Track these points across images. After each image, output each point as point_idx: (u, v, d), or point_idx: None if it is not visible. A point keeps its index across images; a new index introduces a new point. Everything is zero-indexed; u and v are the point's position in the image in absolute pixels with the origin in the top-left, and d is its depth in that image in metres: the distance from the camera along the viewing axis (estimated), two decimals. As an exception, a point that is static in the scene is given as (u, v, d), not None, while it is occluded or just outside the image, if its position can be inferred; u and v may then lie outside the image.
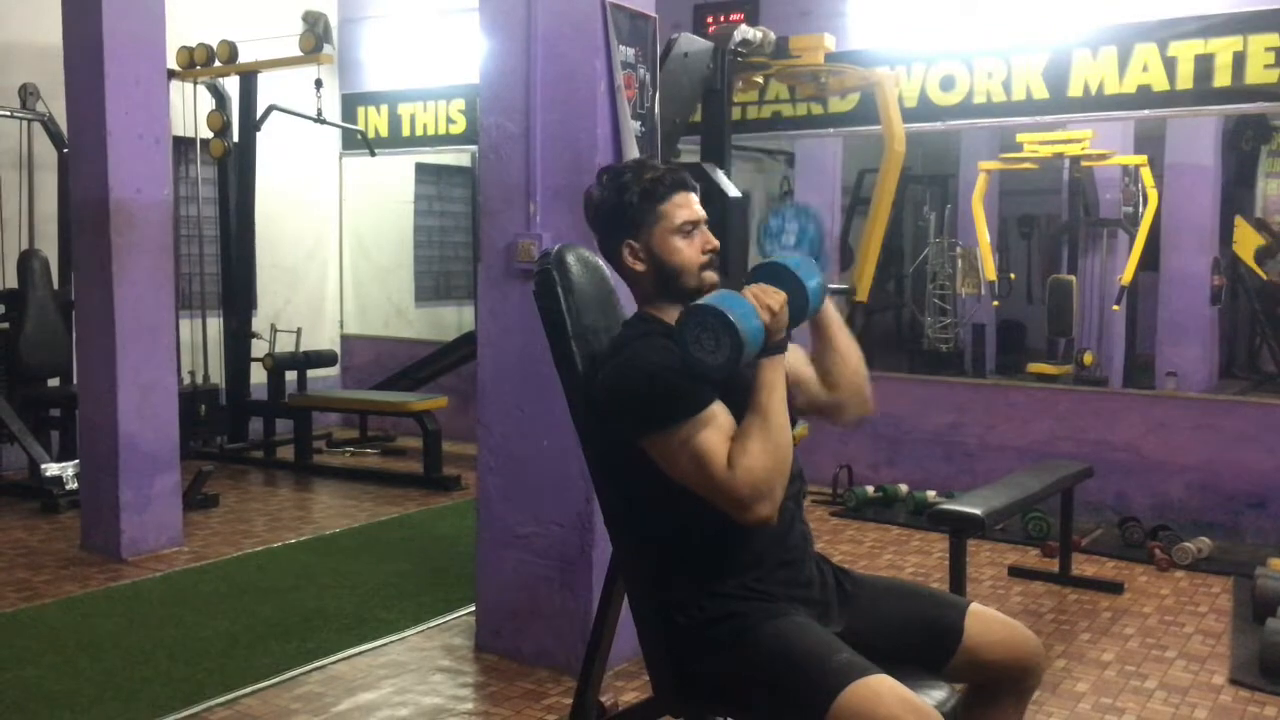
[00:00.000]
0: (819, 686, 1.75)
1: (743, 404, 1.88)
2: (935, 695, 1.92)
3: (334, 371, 8.04)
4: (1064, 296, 7.61)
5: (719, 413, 1.87)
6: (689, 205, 2.05)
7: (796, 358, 2.15)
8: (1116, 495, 5.39)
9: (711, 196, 3.41)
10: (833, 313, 2.19)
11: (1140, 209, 7.25)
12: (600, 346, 2.08)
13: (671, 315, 2.04)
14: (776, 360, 1.88)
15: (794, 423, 1.98)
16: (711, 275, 2.05)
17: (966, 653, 2.03)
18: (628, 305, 2.21)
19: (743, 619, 1.90)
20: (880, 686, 1.72)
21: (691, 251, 2.04)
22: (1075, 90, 5.59)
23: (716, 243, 2.07)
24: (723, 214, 3.70)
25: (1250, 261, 7.44)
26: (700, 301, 1.85)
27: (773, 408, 1.84)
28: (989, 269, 7.85)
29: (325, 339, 8.21)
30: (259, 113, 6.98)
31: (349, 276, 8.47)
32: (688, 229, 2.04)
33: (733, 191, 4.01)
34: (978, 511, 3.56)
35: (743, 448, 1.82)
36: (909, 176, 8.49)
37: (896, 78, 6.02)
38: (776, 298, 1.87)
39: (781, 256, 1.98)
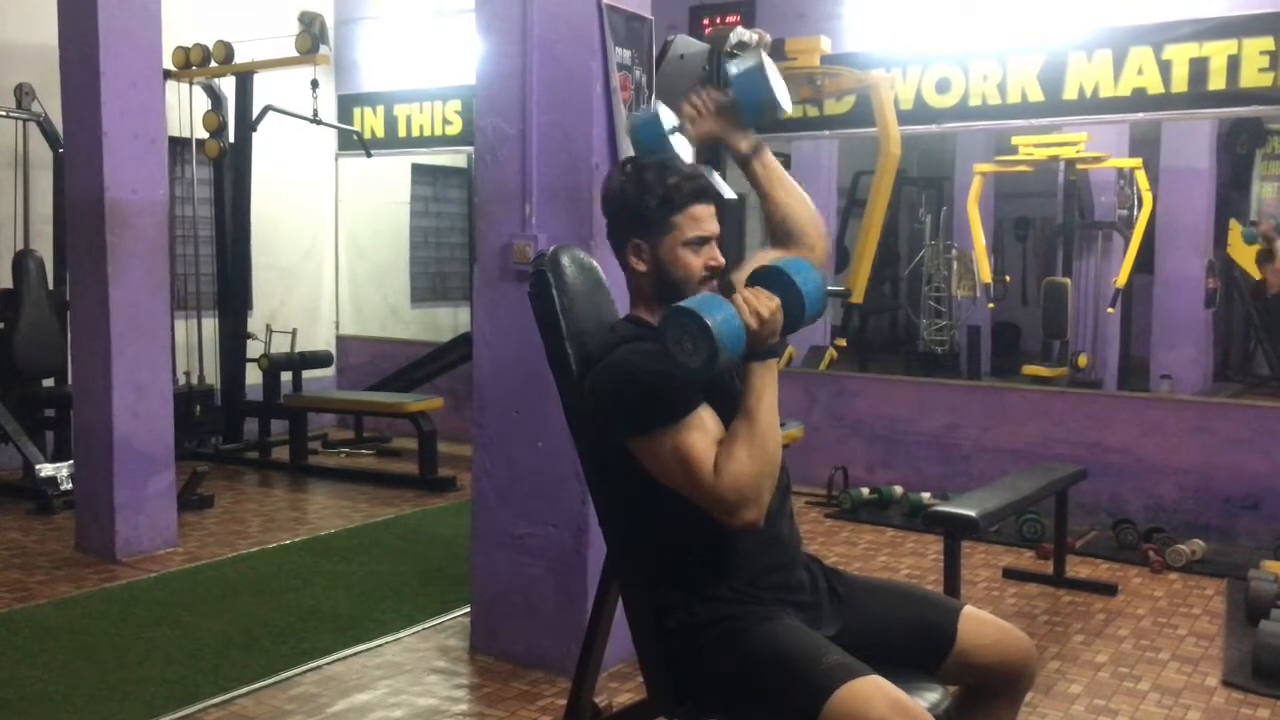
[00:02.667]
0: (810, 689, 1.75)
1: (732, 409, 1.88)
2: (930, 697, 1.93)
3: (329, 372, 8.03)
4: (1059, 299, 7.64)
5: (706, 417, 1.87)
6: (705, 220, 2.03)
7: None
8: (1111, 497, 5.41)
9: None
10: (773, 159, 2.21)
11: (1135, 212, 7.27)
12: (594, 348, 2.08)
13: None
14: (768, 365, 1.88)
15: (783, 424, 1.99)
16: (713, 285, 2.06)
17: (959, 655, 2.03)
18: (622, 305, 2.21)
19: (734, 622, 1.91)
20: (871, 688, 1.73)
21: (696, 265, 2.03)
22: (1070, 93, 5.60)
23: (722, 261, 2.06)
24: (719, 216, 3.70)
25: (1244, 265, 7.45)
26: (681, 304, 1.83)
27: (761, 412, 1.84)
28: (984, 271, 7.87)
29: (321, 340, 8.20)
30: (255, 113, 6.98)
31: (345, 277, 8.47)
32: (698, 244, 2.03)
33: (729, 193, 4.02)
34: (972, 513, 3.56)
35: (729, 453, 1.82)
36: (904, 179, 8.51)
37: (892, 80, 6.03)
38: (768, 304, 1.84)
39: (782, 261, 1.97)
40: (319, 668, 3.53)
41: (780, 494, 2.05)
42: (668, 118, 2.14)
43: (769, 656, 1.84)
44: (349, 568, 4.65)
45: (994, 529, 4.94)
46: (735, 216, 4.05)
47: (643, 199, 2.02)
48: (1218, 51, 5.18)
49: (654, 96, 3.54)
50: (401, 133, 8.05)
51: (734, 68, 1.94)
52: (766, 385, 1.87)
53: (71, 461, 5.21)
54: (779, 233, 2.23)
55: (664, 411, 1.86)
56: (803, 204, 2.24)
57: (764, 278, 1.92)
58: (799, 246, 2.19)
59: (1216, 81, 5.20)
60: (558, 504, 3.44)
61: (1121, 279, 7.27)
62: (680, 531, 1.96)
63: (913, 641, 2.04)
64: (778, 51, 5.53)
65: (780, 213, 2.22)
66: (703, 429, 1.85)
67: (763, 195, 2.22)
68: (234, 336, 7.07)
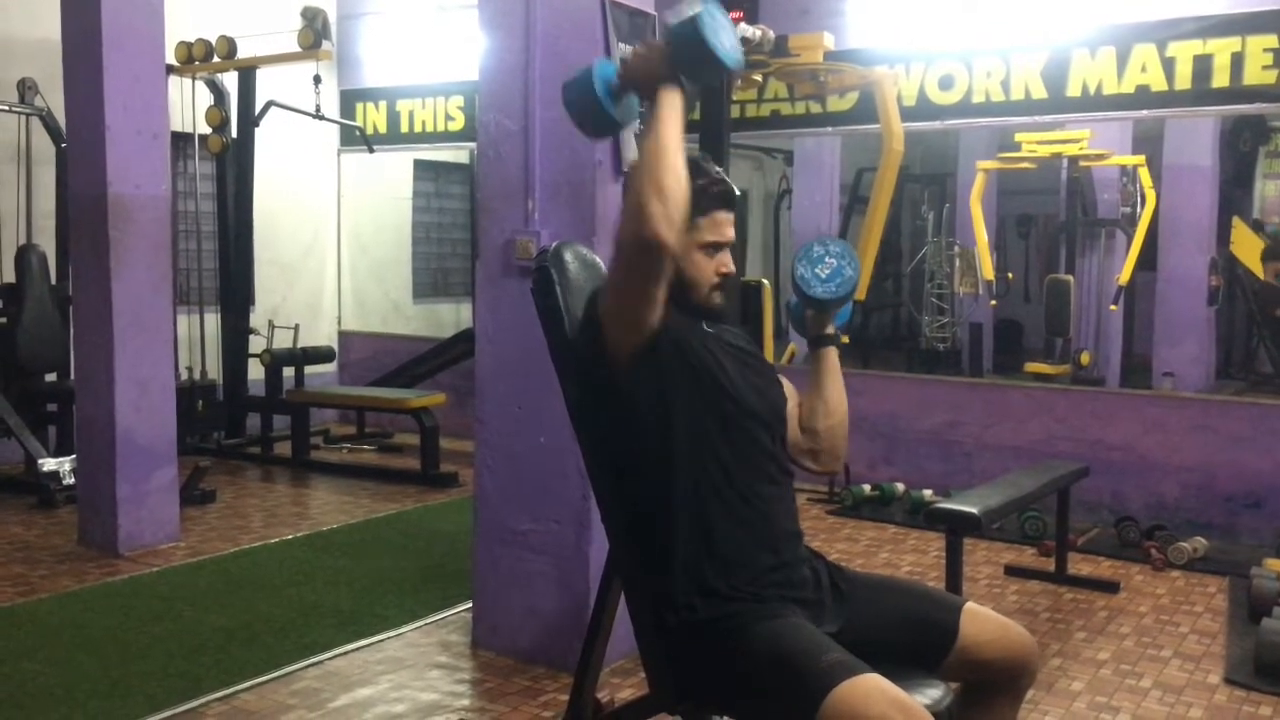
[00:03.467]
0: (809, 686, 1.75)
1: (716, 393, 1.95)
2: (931, 694, 1.92)
3: (331, 368, 8.03)
4: (1061, 296, 7.63)
5: None
6: (724, 226, 2.06)
7: (787, 392, 2.20)
8: (1113, 495, 5.40)
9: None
10: (834, 362, 2.24)
11: (1138, 209, 7.27)
12: None
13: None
14: (657, 99, 1.89)
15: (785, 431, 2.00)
16: (718, 298, 2.07)
17: (961, 651, 2.03)
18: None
19: (736, 619, 1.91)
20: (870, 686, 1.73)
21: (708, 269, 2.05)
22: (1074, 90, 5.59)
23: (732, 269, 2.09)
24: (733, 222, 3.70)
25: (1247, 263, 7.45)
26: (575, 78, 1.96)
27: (643, 144, 1.86)
28: (987, 268, 7.87)
29: (323, 335, 8.21)
30: (258, 109, 6.98)
31: (347, 273, 8.47)
32: (713, 248, 2.05)
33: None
34: (974, 510, 3.56)
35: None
36: (907, 175, 8.51)
37: (895, 77, 6.02)
38: (644, 44, 1.95)
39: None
40: (321, 662, 3.53)
41: (782, 490, 2.06)
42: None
43: (769, 653, 1.84)
44: (351, 563, 4.65)
45: (996, 526, 4.93)
46: (737, 215, 4.04)
47: None
48: (1221, 49, 5.17)
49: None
50: (404, 128, 8.05)
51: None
52: (654, 117, 1.88)
53: (74, 456, 5.21)
54: (803, 423, 2.23)
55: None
56: (830, 414, 2.23)
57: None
58: (810, 444, 2.22)
59: (1220, 79, 5.20)
60: (560, 500, 3.44)
61: (1124, 276, 7.27)
62: (682, 526, 1.96)
63: (914, 638, 2.04)
64: (781, 48, 5.52)
65: (809, 407, 2.24)
66: None
67: (815, 381, 2.24)
68: (236, 332, 7.07)
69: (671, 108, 1.88)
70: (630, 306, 1.91)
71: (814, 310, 2.27)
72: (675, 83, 1.88)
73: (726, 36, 1.89)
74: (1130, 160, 7.29)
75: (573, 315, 2.09)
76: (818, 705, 1.72)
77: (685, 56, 1.88)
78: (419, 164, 8.80)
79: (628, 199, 1.82)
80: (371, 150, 7.82)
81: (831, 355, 2.25)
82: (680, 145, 1.85)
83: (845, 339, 2.31)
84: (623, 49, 2.06)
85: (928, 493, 5.63)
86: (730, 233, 2.08)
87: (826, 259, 2.21)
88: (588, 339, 2.00)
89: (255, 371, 7.11)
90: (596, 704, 2.32)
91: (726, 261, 2.07)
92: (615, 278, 1.93)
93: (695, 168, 2.04)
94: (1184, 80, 5.28)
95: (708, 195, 2.02)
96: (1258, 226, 7.72)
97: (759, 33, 5.31)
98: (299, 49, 6.69)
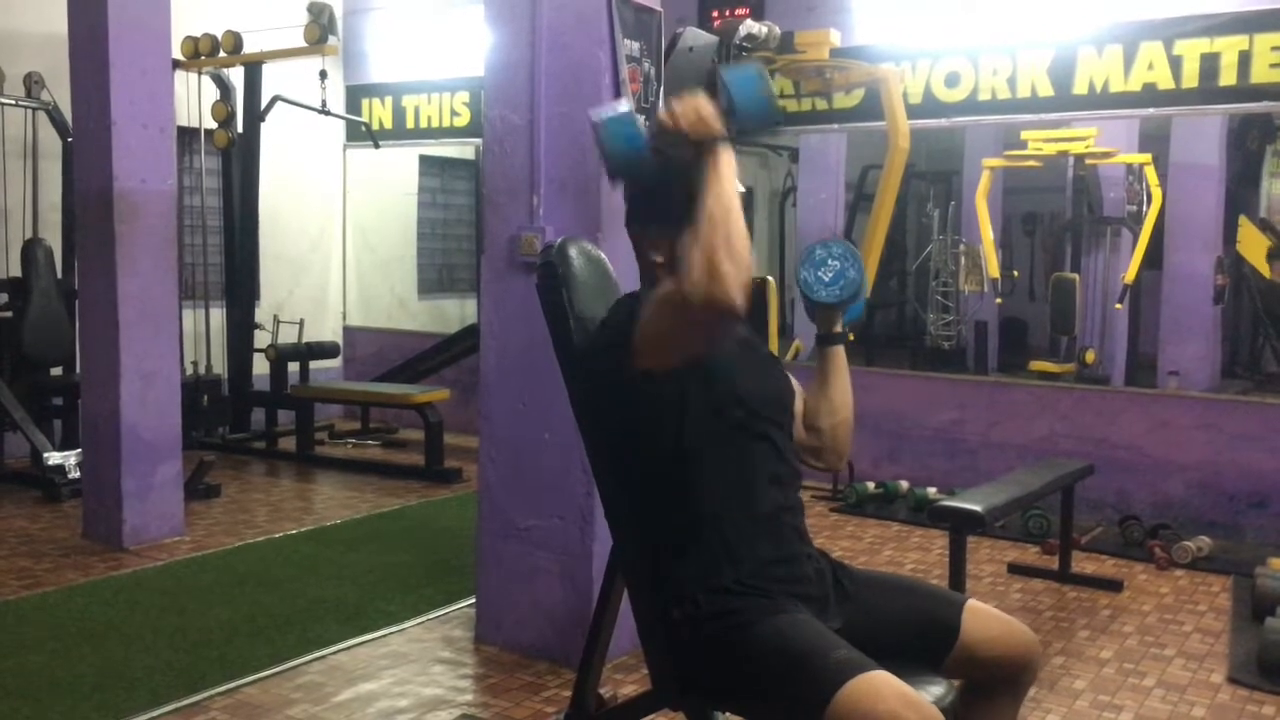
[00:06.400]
0: (818, 683, 1.74)
1: (761, 372, 2.00)
2: (934, 691, 1.92)
3: (336, 363, 8.05)
4: (1067, 294, 7.61)
5: None
6: None
7: (793, 388, 2.19)
8: (1117, 493, 5.40)
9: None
10: (841, 361, 2.24)
11: (1144, 207, 7.24)
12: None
13: None
14: (707, 157, 1.87)
15: (791, 429, 2.00)
16: None
17: (963, 649, 2.03)
18: (630, 299, 2.21)
19: (740, 615, 1.90)
20: (879, 682, 1.72)
21: None
22: (1080, 88, 5.58)
23: None
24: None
25: (1255, 261, 7.43)
26: (605, 118, 1.96)
27: (704, 201, 1.82)
28: (992, 266, 7.84)
29: (328, 330, 8.22)
30: (263, 104, 6.99)
31: (352, 268, 8.47)
32: None
33: (738, 187, 4.01)
34: (978, 508, 3.56)
35: (684, 250, 1.83)
36: (913, 173, 8.48)
37: (901, 74, 6.01)
38: (683, 100, 1.90)
39: (734, 73, 1.98)
40: (324, 657, 3.54)
41: (788, 487, 2.05)
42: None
43: (775, 650, 1.84)
44: (355, 558, 4.66)
45: (1000, 524, 4.93)
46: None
47: (672, 190, 2.00)
48: (1229, 47, 5.16)
49: (662, 90, 3.53)
50: (409, 124, 8.05)
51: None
52: (711, 176, 1.85)
53: (79, 450, 5.22)
54: (808, 421, 2.23)
55: (640, 310, 1.92)
56: (834, 413, 2.22)
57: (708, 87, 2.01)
58: (814, 441, 2.22)
59: (1227, 77, 5.18)
60: (564, 495, 3.45)
61: (1130, 275, 7.25)
62: (686, 522, 1.96)
63: (917, 636, 2.04)
64: (787, 44, 5.51)
65: (814, 404, 2.23)
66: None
67: (821, 379, 2.23)
68: (241, 327, 7.08)
69: (729, 164, 1.87)
70: (685, 353, 1.90)
71: (820, 311, 2.27)
72: (714, 144, 1.87)
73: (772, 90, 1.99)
74: (1136, 158, 7.26)
75: (577, 311, 2.09)
76: (827, 702, 1.71)
77: (749, 115, 1.93)
78: (424, 159, 8.80)
79: (697, 256, 1.76)
80: (377, 145, 7.82)
81: (838, 354, 2.25)
82: (739, 202, 1.87)
83: (851, 336, 2.31)
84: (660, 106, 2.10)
85: (932, 490, 5.63)
86: None
87: (829, 261, 2.21)
88: (612, 359, 1.96)
89: (260, 366, 7.13)
90: (599, 699, 2.33)
91: None
92: (672, 329, 1.87)
93: None
94: (1191, 78, 5.27)
95: None
96: (1264, 225, 7.69)
97: (765, 29, 5.31)
98: (305, 44, 6.69)
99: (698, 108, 1.88)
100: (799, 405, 2.22)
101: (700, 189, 1.83)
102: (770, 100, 1.96)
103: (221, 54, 6.80)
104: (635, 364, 1.92)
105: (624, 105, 2.03)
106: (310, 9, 6.70)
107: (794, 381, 2.20)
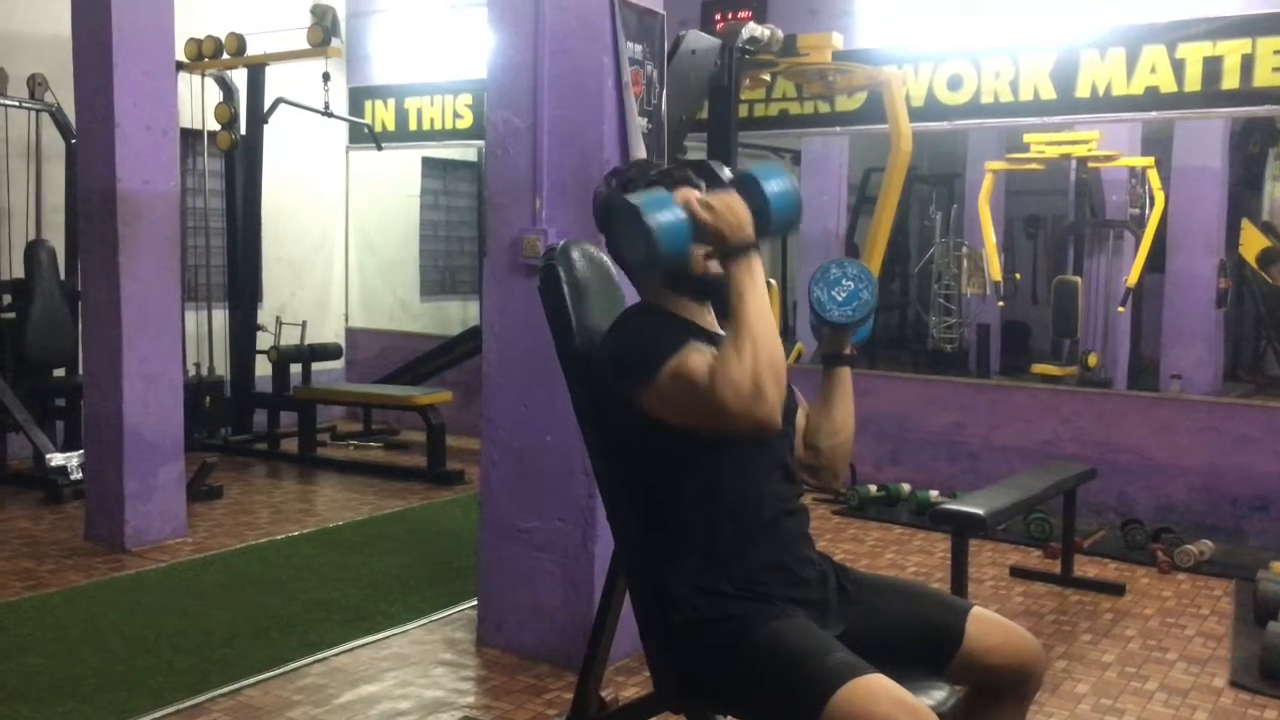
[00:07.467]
0: (814, 686, 1.75)
1: None
2: (935, 695, 1.92)
3: (339, 365, 8.05)
4: (1069, 297, 7.61)
5: (700, 344, 1.89)
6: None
7: (796, 400, 2.19)
8: (1119, 497, 5.39)
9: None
10: (846, 383, 2.23)
11: (1147, 211, 7.24)
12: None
13: (680, 306, 2.05)
14: (748, 261, 1.85)
15: (792, 427, 1.99)
16: (716, 265, 2.03)
17: (967, 655, 2.03)
18: (631, 298, 2.21)
19: (739, 619, 1.90)
20: (875, 686, 1.73)
21: (697, 254, 2.02)
22: (1083, 91, 5.58)
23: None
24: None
25: (1255, 265, 7.43)
26: (637, 200, 1.87)
27: (745, 310, 1.82)
28: (994, 269, 7.84)
29: (330, 332, 8.23)
30: (266, 105, 6.99)
31: (354, 270, 8.48)
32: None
33: (726, 175, 4.00)
34: (980, 512, 3.56)
35: (721, 357, 1.80)
36: (915, 176, 8.49)
37: (904, 77, 6.01)
38: (722, 199, 1.86)
39: (754, 167, 1.98)
40: (326, 659, 3.54)
41: (790, 492, 2.06)
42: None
43: (773, 653, 1.84)
44: (357, 560, 4.66)
45: (1002, 528, 4.94)
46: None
47: (633, 190, 2.01)
48: (1231, 50, 5.16)
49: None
50: (412, 126, 8.05)
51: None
52: (747, 283, 1.84)
53: (81, 451, 5.23)
54: (810, 440, 2.22)
55: (659, 352, 1.86)
56: (835, 434, 2.22)
57: (734, 183, 1.96)
58: (813, 459, 2.21)
59: (1230, 81, 5.18)
60: (566, 497, 3.45)
61: (1132, 278, 7.25)
62: (687, 526, 1.97)
63: (920, 640, 2.04)
64: (790, 47, 5.52)
65: (816, 423, 2.22)
66: (698, 350, 1.86)
67: (825, 399, 2.23)
68: (244, 328, 7.08)
69: (749, 276, 1.86)
70: (701, 430, 1.88)
71: (829, 331, 2.24)
72: (747, 250, 1.86)
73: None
74: (1139, 162, 7.26)
75: (580, 314, 2.09)
76: (823, 705, 1.72)
77: (783, 227, 1.93)
78: (427, 162, 8.81)
79: (740, 375, 1.76)
80: (380, 148, 7.83)
81: (844, 375, 2.23)
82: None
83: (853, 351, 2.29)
84: (687, 193, 1.98)
85: (934, 493, 5.63)
86: None
87: (844, 281, 2.17)
88: (619, 387, 1.95)
89: (263, 368, 7.13)
90: (600, 702, 2.32)
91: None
92: (698, 418, 1.84)
93: (645, 165, 2.10)
94: (1194, 82, 5.27)
95: (668, 179, 2.03)
96: (1267, 229, 7.69)
97: (768, 32, 5.31)
98: (308, 46, 6.69)
99: (737, 212, 1.85)
100: (800, 418, 2.21)
101: (736, 297, 1.83)
102: (799, 205, 1.95)
103: (225, 56, 6.81)
104: (641, 405, 1.91)
105: (659, 191, 1.92)
106: (313, 11, 6.71)
107: (798, 394, 2.19)
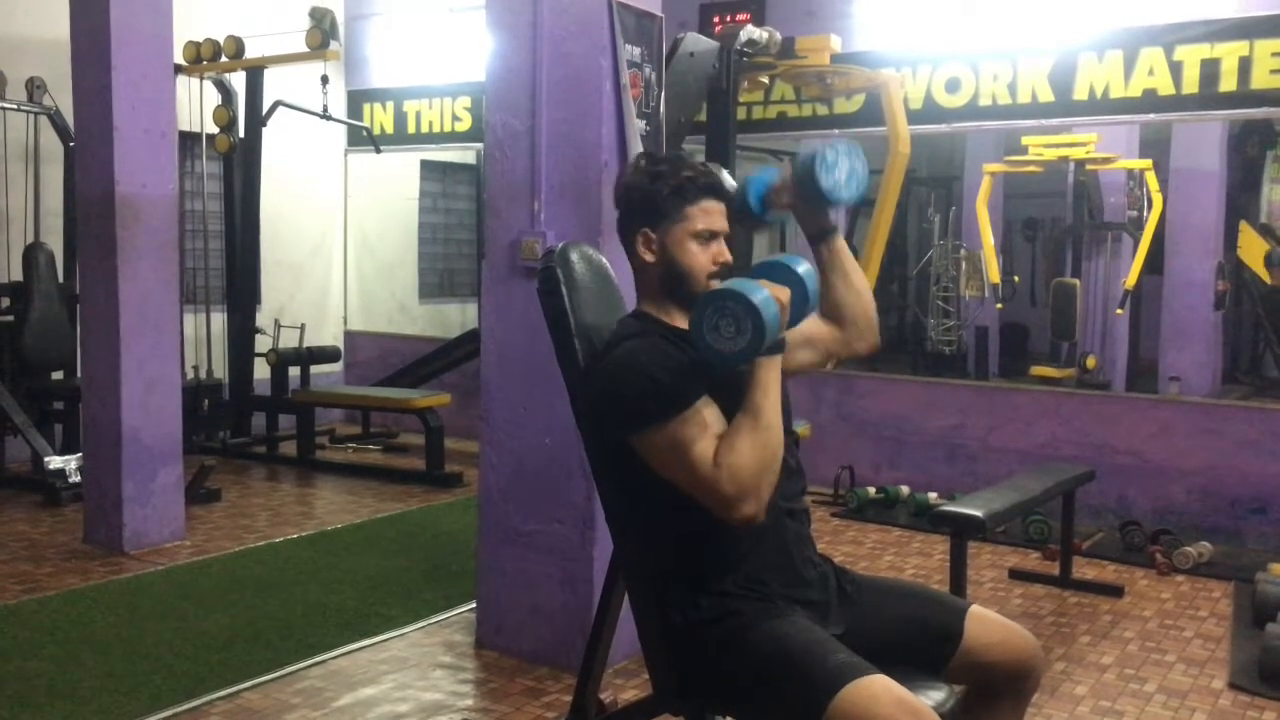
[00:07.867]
0: (816, 687, 1.75)
1: (735, 405, 1.88)
2: (934, 696, 1.92)
3: (337, 367, 8.05)
4: (1067, 300, 7.61)
5: (706, 412, 1.88)
6: (715, 215, 2.06)
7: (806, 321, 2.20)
8: (1118, 499, 5.39)
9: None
10: (846, 249, 2.26)
11: (1144, 213, 7.25)
12: (601, 344, 2.09)
13: (670, 315, 2.05)
14: (774, 360, 1.89)
15: (790, 425, 2.00)
16: (717, 284, 2.05)
17: (966, 654, 2.03)
18: (630, 300, 2.21)
19: (740, 619, 1.91)
20: (877, 687, 1.73)
21: (704, 258, 2.04)
22: (1081, 93, 5.58)
23: (730, 259, 2.07)
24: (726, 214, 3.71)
25: (1254, 267, 7.43)
26: (722, 286, 1.86)
27: (766, 407, 1.85)
28: (993, 271, 7.85)
29: (329, 335, 8.23)
30: (265, 108, 6.99)
31: (353, 273, 8.48)
32: (706, 236, 2.04)
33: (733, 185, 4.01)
34: (979, 514, 3.56)
35: (730, 445, 1.82)
36: (913, 178, 8.50)
37: (902, 79, 6.02)
38: (784, 293, 1.90)
39: (784, 257, 2.02)
40: (324, 662, 3.54)
41: (791, 492, 2.05)
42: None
43: (774, 654, 1.84)
44: (355, 563, 4.66)
45: (1000, 529, 4.94)
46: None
47: (655, 186, 2.03)
48: (1229, 53, 5.16)
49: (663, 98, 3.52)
50: (411, 129, 8.05)
51: (825, 177, 2.11)
52: (771, 381, 1.87)
53: (80, 454, 5.22)
54: (831, 315, 2.26)
55: (666, 406, 1.86)
56: (859, 296, 2.26)
57: (768, 270, 1.98)
58: (848, 332, 2.26)
59: (1228, 83, 5.18)
60: (564, 500, 3.45)
61: (1130, 280, 7.25)
62: (686, 527, 1.96)
63: (919, 641, 2.04)
64: (788, 50, 5.52)
65: (837, 297, 2.25)
66: (701, 424, 1.86)
67: (825, 278, 2.23)
68: (242, 331, 7.08)
69: (775, 375, 1.89)
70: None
71: (814, 210, 2.23)
72: (779, 349, 1.89)
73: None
74: (1137, 164, 7.27)
75: (579, 316, 2.10)
76: (825, 706, 1.72)
77: (798, 306, 2.00)
78: (426, 164, 8.81)
79: (743, 464, 1.80)
80: (378, 151, 7.83)
81: (842, 243, 2.25)
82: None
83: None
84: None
85: (932, 496, 5.63)
86: (722, 223, 2.07)
87: (840, 160, 2.17)
88: (614, 443, 1.97)
89: (261, 371, 7.13)
90: (599, 704, 2.33)
91: (724, 252, 2.06)
92: (683, 484, 1.87)
93: (679, 161, 2.08)
94: (1191, 84, 5.27)
95: (696, 184, 2.03)
96: (1265, 231, 7.69)
97: (766, 34, 5.32)
98: (307, 49, 6.70)
99: (784, 306, 1.90)
100: (812, 331, 2.23)
101: (760, 390, 1.86)
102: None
103: (223, 59, 6.81)
104: (630, 444, 1.92)
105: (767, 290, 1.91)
106: (312, 14, 6.72)
107: (799, 329, 2.15)
